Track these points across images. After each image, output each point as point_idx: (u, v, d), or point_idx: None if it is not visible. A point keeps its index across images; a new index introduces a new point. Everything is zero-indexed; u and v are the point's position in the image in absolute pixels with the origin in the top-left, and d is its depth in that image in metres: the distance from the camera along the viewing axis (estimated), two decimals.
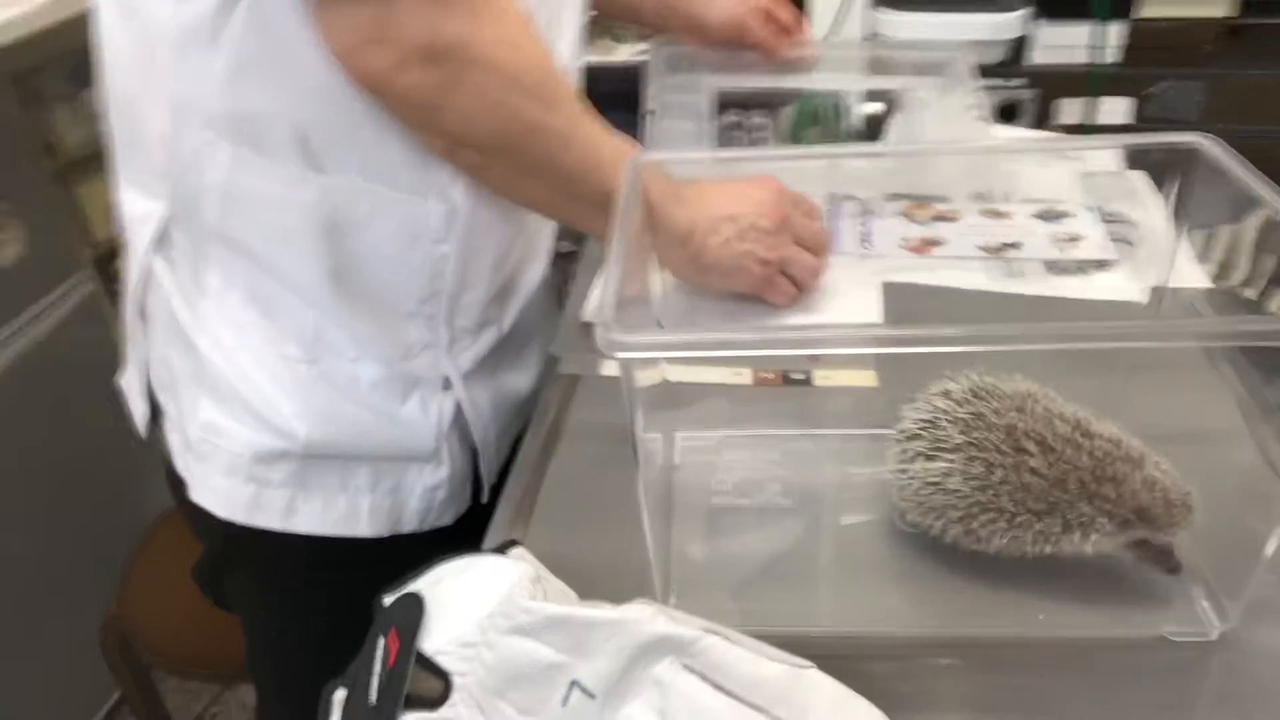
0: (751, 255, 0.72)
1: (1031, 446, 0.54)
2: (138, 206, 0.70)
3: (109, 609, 1.16)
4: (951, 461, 0.56)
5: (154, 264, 0.70)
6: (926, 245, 0.88)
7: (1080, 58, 1.31)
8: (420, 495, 0.75)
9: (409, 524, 0.75)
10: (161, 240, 0.69)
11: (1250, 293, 0.65)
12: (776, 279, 0.75)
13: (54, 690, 1.43)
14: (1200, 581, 0.58)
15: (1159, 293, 0.68)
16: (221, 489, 0.71)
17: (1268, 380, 0.63)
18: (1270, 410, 0.62)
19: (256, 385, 0.68)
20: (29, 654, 1.37)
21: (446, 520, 0.77)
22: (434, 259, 0.67)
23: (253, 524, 0.71)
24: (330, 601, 0.77)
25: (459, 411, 0.74)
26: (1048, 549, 0.55)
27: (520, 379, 0.81)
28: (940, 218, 0.92)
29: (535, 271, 0.81)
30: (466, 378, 0.74)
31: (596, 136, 0.65)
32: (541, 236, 0.81)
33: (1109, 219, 0.94)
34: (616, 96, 1.60)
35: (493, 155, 0.63)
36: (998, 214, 0.92)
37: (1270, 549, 0.52)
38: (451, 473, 0.76)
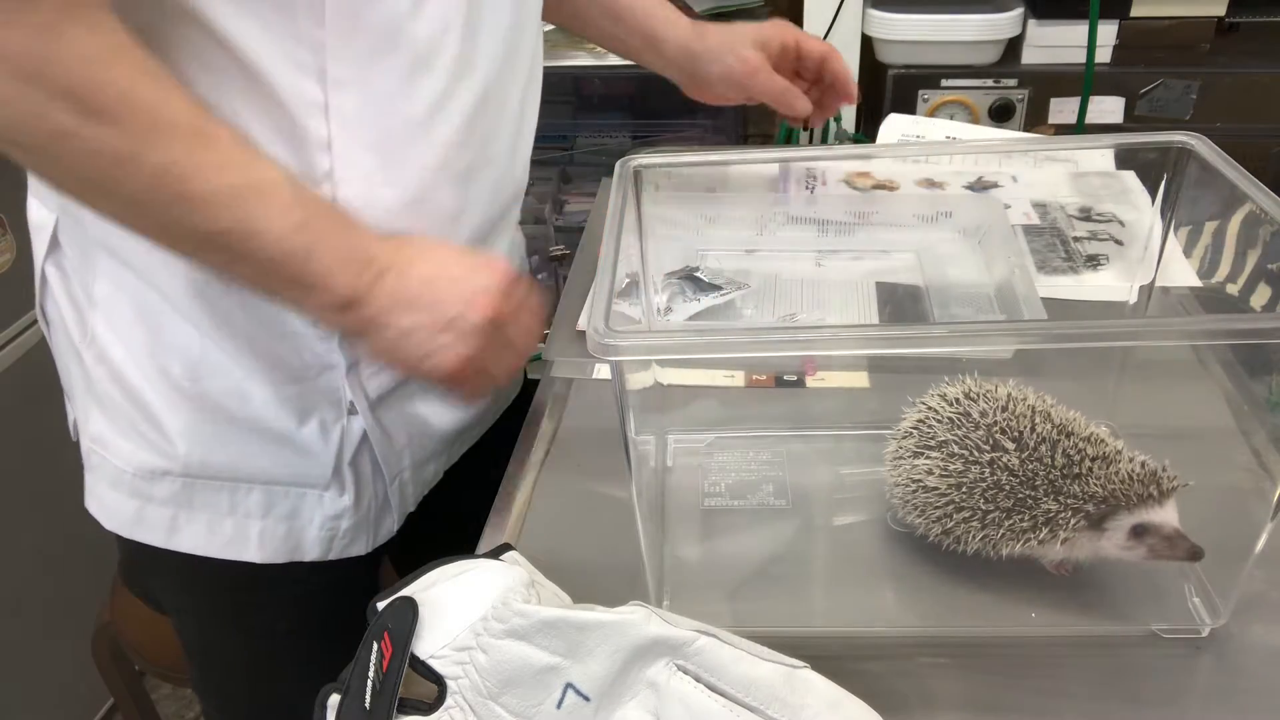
0: (452, 350, 0.60)
1: (1008, 444, 0.55)
2: (36, 213, 0.69)
3: (101, 616, 1.15)
4: (934, 459, 0.57)
5: (48, 272, 0.69)
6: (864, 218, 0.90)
7: (1073, 57, 1.32)
8: (320, 524, 0.70)
9: (311, 552, 0.71)
10: (53, 249, 0.68)
11: (1233, 289, 0.66)
12: (469, 378, 0.63)
13: (47, 697, 1.43)
14: (1191, 578, 0.58)
15: (1148, 291, 0.68)
16: (107, 501, 0.70)
17: (1256, 377, 0.63)
18: (1259, 407, 0.62)
19: (141, 401, 0.66)
20: (22, 661, 1.37)
21: (358, 550, 0.73)
22: None
23: (136, 539, 0.70)
24: (238, 624, 0.76)
25: (366, 438, 0.70)
26: (1018, 548, 0.55)
27: (450, 409, 0.75)
28: (880, 186, 0.93)
29: None
30: (376, 404, 0.69)
31: (192, 164, 0.53)
32: None
33: (1098, 218, 0.94)
34: (610, 99, 1.60)
35: (25, 155, 0.53)
36: (932, 185, 0.94)
37: (1260, 546, 0.53)
38: (357, 501, 0.71)
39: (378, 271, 0.59)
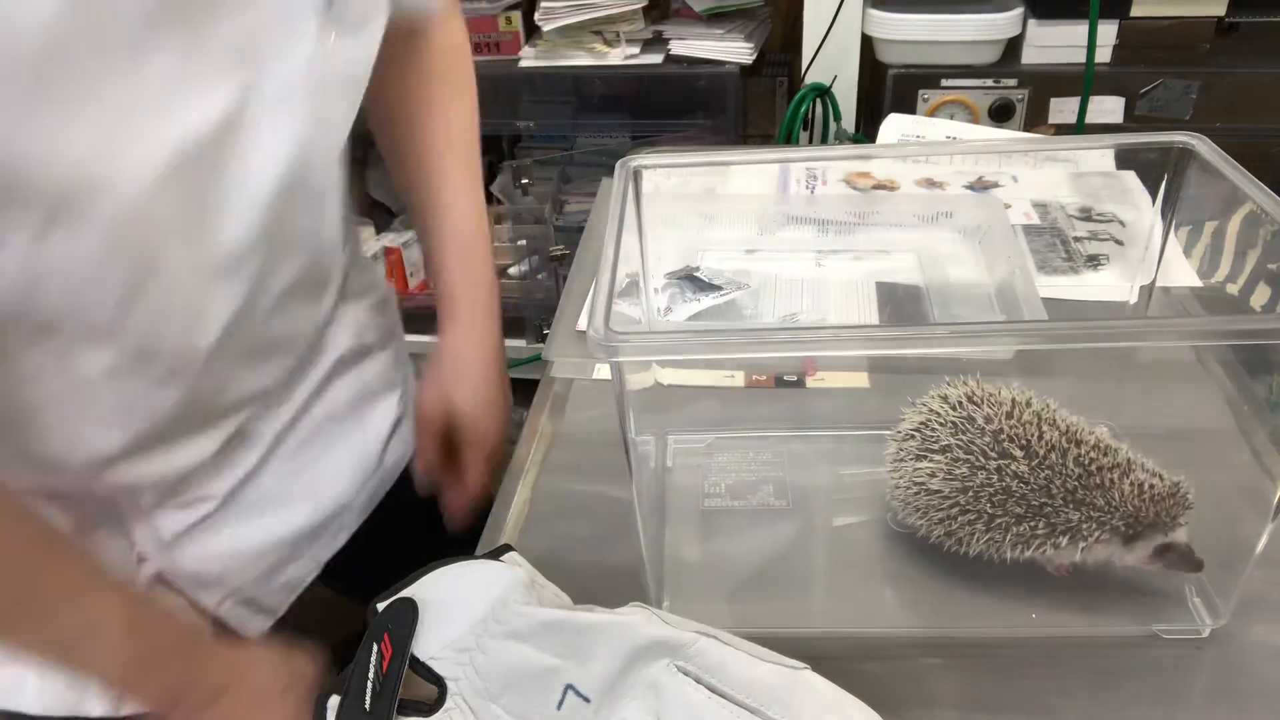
0: None
1: (1016, 451, 0.55)
2: None
3: None
4: (937, 462, 0.57)
5: None
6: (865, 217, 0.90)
7: (1073, 57, 1.32)
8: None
9: (94, 707, 0.60)
10: None
11: (1233, 289, 0.66)
12: None
13: None
14: (1191, 579, 0.58)
15: (1148, 291, 0.68)
16: None
17: (1256, 377, 0.63)
18: (1259, 407, 0.62)
19: None
20: None
21: None
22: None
23: None
24: None
25: (162, 579, 0.63)
26: (1026, 553, 0.55)
27: (273, 524, 0.68)
28: (880, 186, 0.93)
29: (273, 426, 0.67)
30: (172, 544, 0.63)
31: (30, 592, 0.50)
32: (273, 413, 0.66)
33: (1098, 218, 0.94)
34: (610, 99, 1.60)
35: None
36: (932, 185, 0.94)
37: (1261, 546, 0.53)
38: None
39: (203, 699, 0.56)
